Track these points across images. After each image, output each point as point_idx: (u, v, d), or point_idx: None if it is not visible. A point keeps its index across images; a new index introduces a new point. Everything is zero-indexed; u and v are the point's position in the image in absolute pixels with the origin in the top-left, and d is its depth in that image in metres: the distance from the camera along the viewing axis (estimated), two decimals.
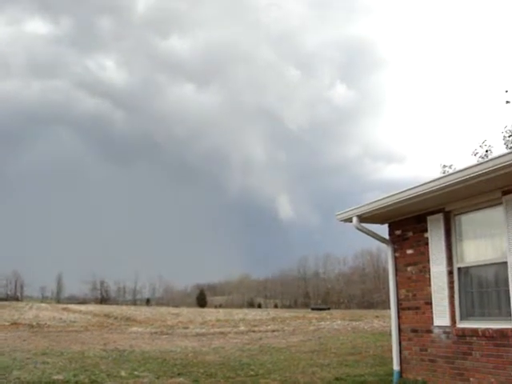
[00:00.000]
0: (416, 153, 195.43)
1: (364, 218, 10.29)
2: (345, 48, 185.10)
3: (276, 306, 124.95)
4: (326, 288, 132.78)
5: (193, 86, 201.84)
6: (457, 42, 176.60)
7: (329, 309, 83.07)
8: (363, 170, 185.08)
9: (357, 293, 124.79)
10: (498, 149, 18.07)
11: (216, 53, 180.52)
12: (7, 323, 32.17)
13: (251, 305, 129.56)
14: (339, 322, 37.14)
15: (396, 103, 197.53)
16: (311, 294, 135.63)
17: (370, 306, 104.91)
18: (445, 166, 19.06)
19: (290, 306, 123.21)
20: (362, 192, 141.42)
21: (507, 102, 17.56)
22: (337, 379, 11.20)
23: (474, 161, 17.68)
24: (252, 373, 12.49)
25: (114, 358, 15.27)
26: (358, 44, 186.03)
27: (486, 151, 18.04)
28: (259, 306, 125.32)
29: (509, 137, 17.89)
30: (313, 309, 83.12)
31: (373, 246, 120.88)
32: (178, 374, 12.16)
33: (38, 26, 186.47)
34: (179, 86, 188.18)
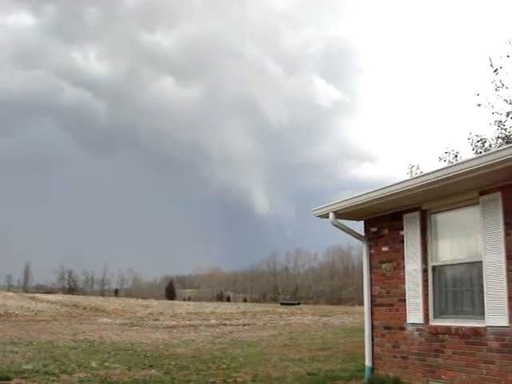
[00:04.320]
0: (388, 153, 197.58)
1: (340, 215, 10.32)
2: (326, 48, 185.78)
3: (245, 300, 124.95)
4: (296, 283, 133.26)
5: (175, 79, 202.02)
6: (432, 45, 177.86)
7: (298, 304, 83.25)
8: (337, 169, 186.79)
9: (326, 289, 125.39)
10: (466, 153, 18.32)
11: (200, 47, 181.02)
12: None
13: (220, 298, 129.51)
14: (310, 317, 37.31)
15: (371, 104, 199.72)
16: (280, 288, 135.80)
17: (338, 302, 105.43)
18: (412, 166, 19.35)
19: (258, 301, 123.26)
20: (336, 190, 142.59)
21: (478, 104, 17.78)
22: (309, 374, 11.23)
23: (440, 165, 17.94)
24: (224, 366, 12.48)
25: (84, 348, 15.16)
26: (338, 45, 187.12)
27: (455, 156, 18.28)
28: (228, 300, 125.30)
29: (477, 142, 18.11)
30: (282, 303, 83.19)
31: (343, 243, 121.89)
32: (150, 366, 12.10)
33: (22, 16, 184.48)
34: (162, 79, 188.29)
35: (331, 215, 10.24)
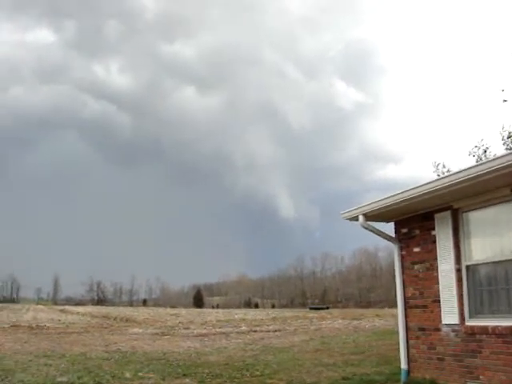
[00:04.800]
0: (412, 154, 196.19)
1: (370, 217, 10.25)
2: (345, 50, 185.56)
3: (273, 306, 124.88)
4: (323, 287, 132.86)
5: (196, 88, 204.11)
6: (454, 42, 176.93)
7: (327, 308, 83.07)
8: (362, 170, 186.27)
9: (354, 291, 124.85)
10: (496, 149, 18.07)
11: (219, 55, 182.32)
12: (6, 325, 31.98)
13: (248, 304, 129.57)
14: (340, 321, 37.13)
15: (395, 105, 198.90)
16: (308, 293, 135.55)
17: (367, 305, 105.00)
18: (438, 164, 19.02)
19: (287, 306, 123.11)
20: (362, 192, 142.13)
21: (504, 100, 17.55)
22: (343, 379, 11.14)
23: (471, 161, 17.69)
24: (257, 373, 12.42)
25: (117, 359, 15.19)
26: (358, 46, 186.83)
27: (485, 151, 18.02)
28: (256, 306, 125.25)
29: (507, 137, 17.86)
30: (311, 308, 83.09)
31: (370, 245, 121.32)
32: (184, 375, 12.08)
33: (43, 33, 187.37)
34: (183, 89, 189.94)
35: (361, 218, 10.17)
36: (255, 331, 27.91)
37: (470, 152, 18.04)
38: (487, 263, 8.69)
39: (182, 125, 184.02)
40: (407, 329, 10.22)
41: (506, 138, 17.60)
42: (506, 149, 17.31)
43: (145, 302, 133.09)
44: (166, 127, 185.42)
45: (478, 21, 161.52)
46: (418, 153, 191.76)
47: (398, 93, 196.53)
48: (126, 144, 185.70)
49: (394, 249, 10.62)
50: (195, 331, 28.28)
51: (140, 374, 12.25)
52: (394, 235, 10.71)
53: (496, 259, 8.49)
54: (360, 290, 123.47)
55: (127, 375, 11.96)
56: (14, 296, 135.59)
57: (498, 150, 17.99)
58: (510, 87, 17.26)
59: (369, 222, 10.31)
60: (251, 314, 54.24)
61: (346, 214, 10.62)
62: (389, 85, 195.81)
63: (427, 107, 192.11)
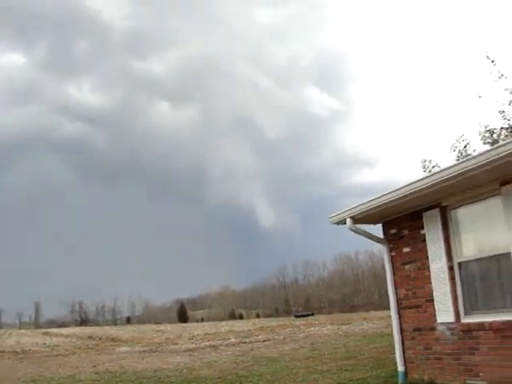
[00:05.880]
0: (387, 157, 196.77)
1: (357, 219, 10.18)
2: (316, 58, 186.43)
3: (258, 316, 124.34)
4: (307, 294, 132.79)
5: (170, 103, 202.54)
6: (428, 42, 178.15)
7: (313, 314, 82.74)
8: (338, 176, 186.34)
9: (337, 297, 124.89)
10: (475, 144, 18.24)
11: (191, 69, 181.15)
12: None
13: (232, 316, 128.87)
14: (328, 326, 36.99)
15: (367, 109, 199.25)
16: (292, 301, 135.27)
17: (351, 309, 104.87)
18: (425, 161, 19.11)
19: (271, 315, 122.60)
20: (339, 197, 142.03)
21: (479, 96, 17.75)
22: None
23: (452, 157, 17.83)
24: None
25: (107, 380, 14.95)
26: (329, 54, 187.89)
27: (465, 146, 18.16)
28: (241, 317, 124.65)
29: (485, 132, 18.03)
30: (296, 316, 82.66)
31: (350, 250, 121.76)
32: None
33: (14, 57, 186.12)
34: (158, 104, 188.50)
35: (348, 221, 10.10)
36: (244, 342, 27.72)
37: (451, 147, 18.18)
38: (479, 259, 8.64)
39: (158, 140, 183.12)
40: (402, 330, 10.13)
41: (483, 132, 17.76)
42: (484, 143, 17.48)
43: (128, 320, 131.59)
44: (142, 143, 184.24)
45: (451, 19, 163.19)
46: (392, 156, 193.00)
47: (370, 98, 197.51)
48: (102, 162, 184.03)
49: (383, 250, 10.54)
50: (183, 346, 28.02)
51: None
52: (382, 236, 10.63)
53: (487, 254, 8.45)
54: (343, 294, 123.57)
55: None
56: None
57: (477, 144, 18.16)
58: (484, 83, 17.43)
59: (357, 225, 10.25)
60: (238, 325, 53.90)
61: (334, 218, 10.54)
62: (361, 91, 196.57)
63: (400, 110, 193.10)
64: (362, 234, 10.30)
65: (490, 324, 8.13)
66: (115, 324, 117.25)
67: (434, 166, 18.22)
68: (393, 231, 10.36)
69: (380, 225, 10.80)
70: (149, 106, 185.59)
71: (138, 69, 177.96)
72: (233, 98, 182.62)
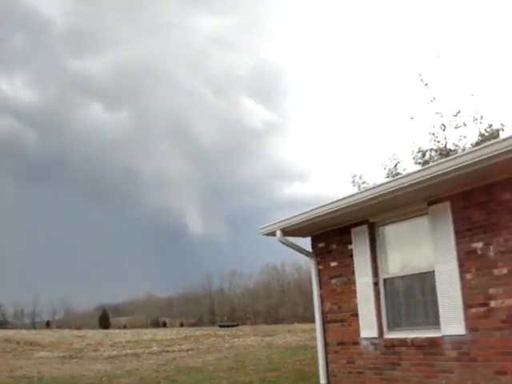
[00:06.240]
0: (318, 172, 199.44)
1: (287, 232, 10.22)
2: (255, 69, 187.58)
3: (182, 325, 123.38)
4: (232, 304, 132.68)
5: (105, 104, 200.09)
6: (360, 61, 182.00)
7: (237, 325, 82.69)
8: (270, 188, 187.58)
9: (262, 308, 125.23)
10: (406, 163, 18.72)
11: (128, 71, 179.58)
12: None
13: (156, 324, 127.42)
14: (253, 338, 37.02)
15: (302, 124, 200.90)
16: (217, 310, 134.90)
17: (276, 321, 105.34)
18: (354, 176, 19.48)
19: (196, 324, 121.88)
20: (270, 209, 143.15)
21: (411, 118, 18.27)
22: None
23: (382, 174, 18.24)
24: None
25: None
26: (267, 66, 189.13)
27: (395, 165, 18.61)
28: (164, 325, 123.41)
29: (417, 152, 18.54)
30: (221, 326, 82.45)
31: (277, 262, 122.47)
32: None
33: None
34: (91, 105, 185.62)
35: (278, 233, 10.13)
36: (167, 351, 27.42)
37: (382, 165, 18.59)
38: (404, 276, 8.83)
39: (90, 141, 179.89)
40: (326, 344, 10.20)
41: (415, 152, 18.24)
42: (415, 163, 17.94)
43: (48, 324, 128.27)
44: (74, 143, 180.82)
45: (386, 36, 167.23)
46: (324, 170, 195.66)
47: (307, 112, 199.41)
48: (31, 161, 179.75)
49: (311, 263, 10.62)
50: (105, 353, 27.47)
51: None
52: (310, 250, 10.71)
53: (412, 272, 8.64)
54: (268, 306, 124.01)
55: None
56: None
57: (407, 163, 18.64)
58: (417, 105, 17.95)
59: (286, 237, 10.29)
60: (161, 333, 53.25)
61: (264, 230, 10.56)
62: (298, 104, 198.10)
63: (336, 125, 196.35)
64: (291, 247, 10.35)
65: (412, 340, 8.28)
66: (34, 328, 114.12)
67: (363, 182, 18.60)
68: (321, 245, 10.45)
69: (309, 238, 10.88)
70: (82, 107, 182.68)
71: (73, 67, 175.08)
72: (169, 104, 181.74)
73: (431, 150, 18.01)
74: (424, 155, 18.13)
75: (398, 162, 18.41)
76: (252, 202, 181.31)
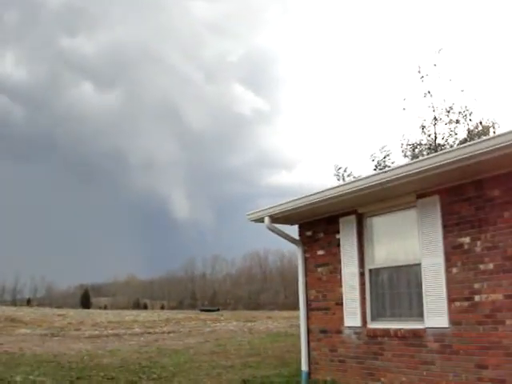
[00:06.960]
0: (305, 161, 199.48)
1: (275, 219, 10.25)
2: (247, 57, 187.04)
3: (163, 307, 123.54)
4: (213, 289, 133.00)
5: (96, 84, 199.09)
6: (357, 52, 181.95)
7: (218, 310, 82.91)
8: (257, 176, 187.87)
9: (243, 294, 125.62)
10: (396, 156, 18.78)
11: (121, 52, 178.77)
12: None
13: (137, 306, 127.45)
14: (234, 323, 37.14)
15: (292, 113, 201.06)
16: (198, 295, 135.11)
17: (256, 307, 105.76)
18: (339, 168, 19.48)
19: (176, 307, 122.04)
20: (256, 196, 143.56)
21: (404, 108, 18.30)
22: (244, 381, 11.04)
23: (371, 166, 18.30)
24: (155, 376, 12.15)
25: (4, 362, 14.44)
26: (260, 54, 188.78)
27: (384, 157, 18.66)
28: (145, 307, 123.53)
29: (407, 145, 18.61)
30: (202, 310, 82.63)
31: (260, 249, 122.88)
32: (77, 378, 11.63)
33: None
34: (82, 84, 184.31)
35: (267, 219, 10.15)
36: (149, 333, 27.43)
37: (371, 156, 18.63)
38: (390, 267, 8.89)
39: (79, 121, 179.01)
40: (309, 331, 10.27)
41: (405, 145, 18.31)
42: (405, 156, 18.01)
43: (29, 302, 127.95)
44: (62, 122, 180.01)
45: (379, 28, 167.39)
46: (310, 160, 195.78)
47: (296, 101, 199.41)
48: (19, 138, 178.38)
49: (298, 251, 10.65)
50: (86, 333, 27.44)
51: (31, 377, 11.69)
52: (298, 238, 10.76)
53: (398, 264, 8.71)
54: (249, 292, 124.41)
55: (18, 378, 11.38)
56: None
57: (397, 156, 18.71)
58: (411, 97, 18.02)
59: (274, 224, 10.32)
60: (143, 315, 53.34)
61: (252, 216, 10.58)
62: (287, 93, 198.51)
63: (326, 116, 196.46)
64: (279, 234, 10.38)
65: (396, 331, 8.37)
66: (15, 305, 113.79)
67: (348, 175, 18.63)
68: (308, 233, 10.49)
69: (296, 226, 10.92)
70: (73, 85, 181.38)
71: (66, 46, 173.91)
72: (160, 87, 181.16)
73: (421, 143, 18.08)
74: (414, 149, 18.20)
75: (388, 155, 18.45)
76: (238, 189, 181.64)
